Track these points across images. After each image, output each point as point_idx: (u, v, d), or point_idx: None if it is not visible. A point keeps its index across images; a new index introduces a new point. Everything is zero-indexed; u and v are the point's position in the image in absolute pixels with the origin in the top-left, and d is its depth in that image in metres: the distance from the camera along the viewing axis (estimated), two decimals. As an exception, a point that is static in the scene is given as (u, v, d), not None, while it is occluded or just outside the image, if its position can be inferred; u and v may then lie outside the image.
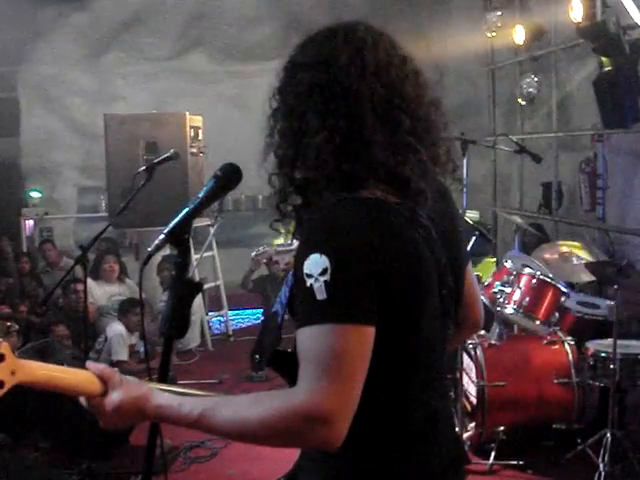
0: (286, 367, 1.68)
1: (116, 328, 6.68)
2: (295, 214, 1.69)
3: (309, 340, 1.49)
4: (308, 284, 1.49)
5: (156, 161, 4.37)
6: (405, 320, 1.55)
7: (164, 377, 1.74)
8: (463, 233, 1.88)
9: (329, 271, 1.47)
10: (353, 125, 1.58)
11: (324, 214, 1.57)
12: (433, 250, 1.62)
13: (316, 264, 1.49)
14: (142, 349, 6.60)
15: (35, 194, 9.71)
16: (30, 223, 9.63)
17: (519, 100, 7.76)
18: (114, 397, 1.62)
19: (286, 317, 1.70)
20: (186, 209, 1.75)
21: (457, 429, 4.80)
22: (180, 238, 1.72)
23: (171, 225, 1.72)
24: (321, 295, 1.48)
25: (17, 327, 5.65)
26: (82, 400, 1.67)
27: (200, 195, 1.77)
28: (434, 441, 1.67)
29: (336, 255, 1.49)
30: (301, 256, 1.53)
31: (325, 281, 1.47)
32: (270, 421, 1.48)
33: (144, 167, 4.35)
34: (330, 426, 1.45)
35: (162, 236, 1.71)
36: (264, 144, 1.71)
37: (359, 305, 1.49)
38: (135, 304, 6.67)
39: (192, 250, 4.53)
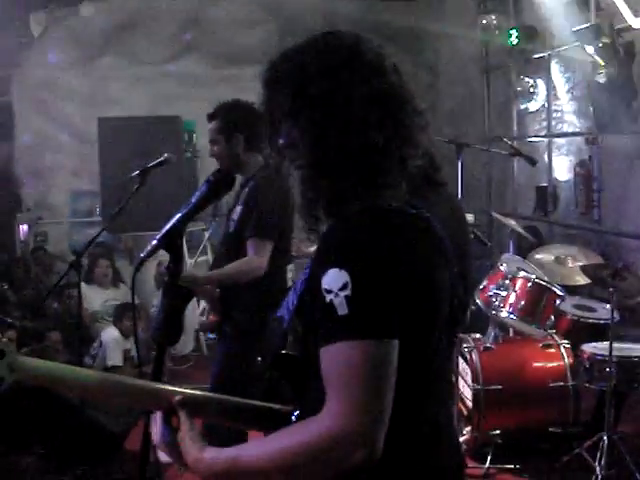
0: (290, 371, 1.67)
1: (111, 333, 6.66)
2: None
3: (334, 359, 1.46)
4: (328, 300, 1.46)
5: (150, 165, 4.34)
6: (419, 332, 1.54)
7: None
8: (469, 239, 1.87)
9: (350, 285, 1.44)
10: (394, 134, 1.58)
11: (341, 227, 1.54)
12: (447, 260, 1.60)
13: (335, 279, 1.46)
14: (136, 354, 6.58)
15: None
16: (24, 228, 9.61)
17: (514, 103, 7.76)
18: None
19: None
20: (178, 214, 1.74)
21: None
22: (173, 243, 1.71)
23: (164, 230, 1.71)
24: (343, 310, 1.44)
25: (13, 332, 5.64)
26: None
27: (192, 200, 1.76)
28: (438, 449, 1.65)
29: (356, 269, 1.46)
30: (318, 271, 1.50)
31: (346, 296, 1.44)
32: (301, 451, 1.45)
33: (138, 171, 4.33)
34: (367, 446, 1.43)
35: (155, 242, 1.71)
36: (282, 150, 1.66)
37: (383, 319, 1.46)
38: (129, 309, 6.65)
39: (186, 255, 4.50)
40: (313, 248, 1.62)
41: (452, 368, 5.06)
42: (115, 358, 6.53)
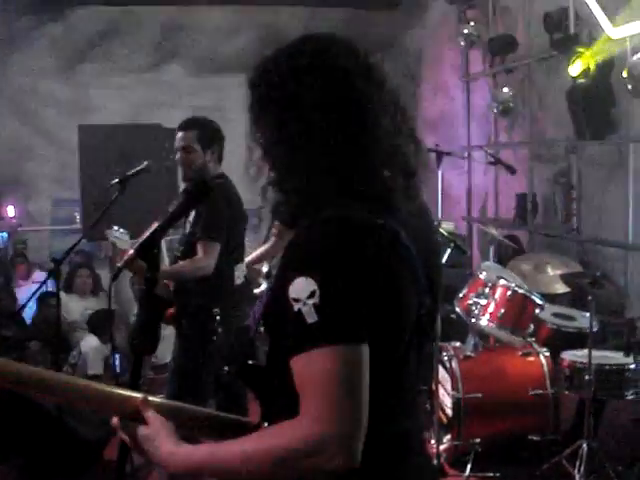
0: (254, 380, 1.67)
1: (90, 342, 6.64)
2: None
3: (307, 367, 1.46)
4: (296, 309, 1.46)
5: (129, 173, 4.35)
6: (385, 340, 1.54)
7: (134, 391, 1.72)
8: (440, 249, 1.88)
9: (317, 293, 1.45)
10: (367, 139, 1.59)
11: (306, 235, 1.54)
12: (414, 271, 1.60)
13: (303, 287, 1.46)
14: (117, 362, 6.56)
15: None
16: (4, 235, 9.55)
17: (494, 112, 7.80)
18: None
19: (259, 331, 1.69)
20: (156, 224, 1.74)
21: (432, 443, 4.80)
22: (149, 253, 1.71)
23: (141, 240, 1.71)
24: (311, 318, 1.45)
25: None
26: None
27: (170, 210, 1.76)
28: (405, 460, 1.65)
29: (322, 276, 1.46)
30: (284, 280, 1.50)
31: (314, 304, 1.45)
32: (278, 457, 1.44)
33: (117, 179, 4.34)
34: (346, 451, 1.42)
35: (132, 251, 1.71)
36: (262, 152, 1.67)
37: (352, 324, 1.46)
38: (104, 315, 6.65)
39: (166, 261, 4.55)
40: None
41: (429, 377, 5.09)
42: (95, 367, 6.50)
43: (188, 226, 4.26)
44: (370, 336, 1.48)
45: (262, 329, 1.65)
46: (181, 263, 4.22)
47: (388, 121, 1.64)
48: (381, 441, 1.54)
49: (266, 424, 1.66)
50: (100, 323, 6.66)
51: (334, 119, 1.58)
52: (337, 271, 1.47)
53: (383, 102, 1.64)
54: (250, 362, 1.67)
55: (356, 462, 1.44)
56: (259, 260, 5.14)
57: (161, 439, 1.59)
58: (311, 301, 1.45)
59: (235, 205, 4.29)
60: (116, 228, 4.35)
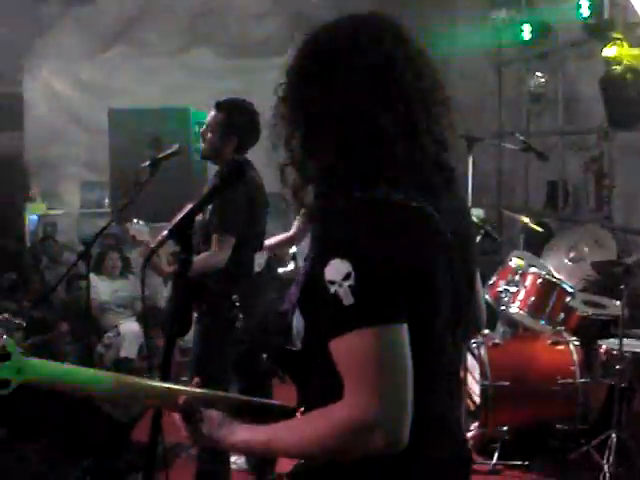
0: (293, 366, 1.66)
1: (131, 326, 6.71)
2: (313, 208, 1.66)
3: (347, 350, 1.46)
4: (332, 291, 1.46)
5: (160, 156, 4.34)
6: (420, 324, 1.52)
7: (166, 375, 1.72)
8: (475, 235, 1.86)
9: (353, 275, 1.44)
10: (408, 120, 1.56)
11: (341, 217, 1.53)
12: (449, 255, 1.59)
13: (338, 269, 1.45)
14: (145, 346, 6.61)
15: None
16: (33, 218, 9.62)
17: (526, 98, 7.72)
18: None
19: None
20: (190, 205, 1.73)
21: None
22: (184, 234, 1.71)
23: (175, 221, 1.71)
24: (348, 300, 1.44)
25: (19, 322, 5.64)
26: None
27: (204, 192, 1.75)
28: (442, 445, 1.64)
29: (357, 258, 1.45)
30: (319, 263, 1.50)
31: (350, 285, 1.44)
32: (326, 442, 1.47)
33: (148, 162, 4.33)
34: (390, 432, 1.43)
35: (165, 232, 1.70)
36: (284, 130, 1.65)
37: (388, 304, 1.46)
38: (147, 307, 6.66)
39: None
40: None
41: (460, 364, 5.06)
42: (130, 351, 6.56)
43: (208, 212, 4.17)
44: (408, 314, 1.48)
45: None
46: (195, 258, 4.09)
47: (425, 106, 1.61)
48: (415, 425, 1.53)
49: (303, 409, 1.65)
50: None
51: (373, 102, 1.56)
52: (371, 252, 1.47)
53: (422, 86, 1.62)
54: (287, 348, 1.66)
55: (402, 443, 1.45)
56: (276, 247, 5.06)
57: (217, 435, 1.64)
58: (347, 283, 1.44)
59: (255, 192, 4.18)
60: (135, 221, 4.32)
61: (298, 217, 5.08)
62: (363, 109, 1.55)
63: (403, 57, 1.60)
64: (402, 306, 1.47)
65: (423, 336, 1.54)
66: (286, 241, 5.04)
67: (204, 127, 4.28)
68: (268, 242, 4.71)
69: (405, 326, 1.47)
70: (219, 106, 4.22)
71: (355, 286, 1.44)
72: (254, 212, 4.19)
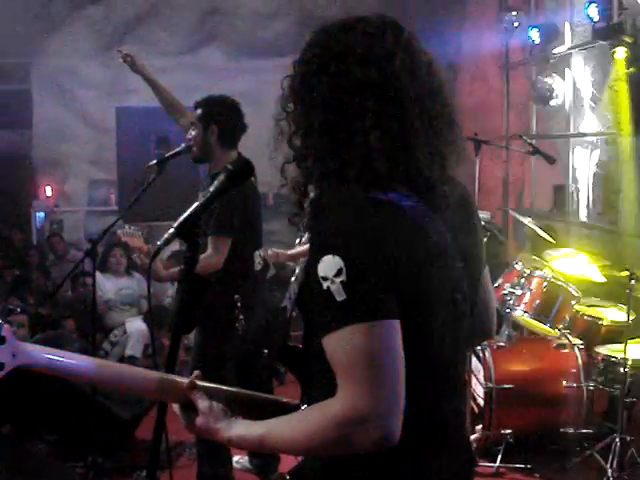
0: (294, 362, 1.67)
1: (137, 324, 6.72)
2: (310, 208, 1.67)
3: (339, 345, 1.47)
4: (325, 287, 1.47)
5: (167, 155, 4.36)
6: (415, 323, 1.53)
7: (170, 373, 1.73)
8: (482, 239, 1.86)
9: (344, 271, 1.46)
10: (402, 127, 1.57)
11: (336, 215, 1.55)
12: (447, 255, 1.60)
13: (330, 266, 1.47)
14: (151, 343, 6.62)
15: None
16: (40, 215, 9.65)
17: (534, 101, 7.71)
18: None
19: (294, 314, 1.69)
20: (197, 203, 1.73)
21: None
22: (190, 232, 1.71)
23: (181, 219, 1.71)
24: (340, 296, 1.46)
25: (25, 318, 5.66)
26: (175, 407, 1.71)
27: (211, 189, 1.75)
28: (443, 446, 1.64)
29: (349, 255, 1.47)
30: (314, 259, 1.51)
31: (342, 281, 1.46)
32: (319, 436, 1.49)
33: (155, 161, 4.35)
34: (382, 426, 1.44)
35: (172, 230, 1.70)
36: (282, 130, 1.68)
37: (379, 301, 1.47)
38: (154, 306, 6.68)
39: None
40: None
41: (464, 367, 5.05)
42: (135, 349, 6.58)
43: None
44: (401, 311, 1.49)
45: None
46: None
47: (427, 108, 1.62)
48: (416, 425, 1.54)
49: (305, 405, 1.66)
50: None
51: (374, 103, 1.57)
52: (362, 249, 1.48)
53: (424, 88, 1.63)
54: (288, 344, 1.67)
55: (393, 438, 1.46)
56: (298, 257, 5.02)
57: (211, 427, 1.64)
58: (339, 279, 1.46)
59: (249, 192, 4.22)
60: (127, 227, 4.35)
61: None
62: (356, 125, 1.57)
63: (405, 70, 1.60)
64: (394, 303, 1.48)
65: (419, 336, 1.55)
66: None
67: (190, 130, 4.35)
68: (290, 252, 4.72)
69: (397, 323, 1.48)
70: (197, 103, 4.34)
71: (347, 282, 1.46)
72: (250, 212, 4.24)
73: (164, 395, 1.69)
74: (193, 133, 4.29)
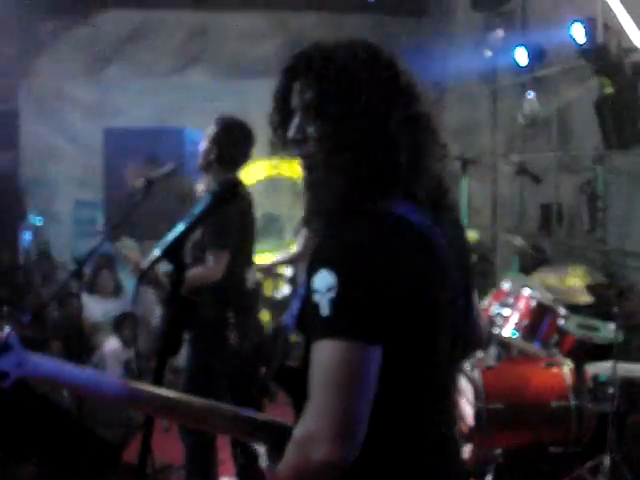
0: (290, 383, 1.65)
1: (111, 345, 6.66)
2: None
3: (316, 357, 1.49)
4: (316, 299, 1.48)
5: (155, 176, 4.35)
6: (416, 342, 1.52)
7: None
8: (470, 257, 1.87)
9: (335, 289, 1.46)
10: (418, 143, 1.61)
11: (339, 229, 1.55)
12: (447, 272, 1.59)
13: (323, 280, 1.48)
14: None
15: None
16: (27, 236, 9.61)
17: (520, 121, 7.74)
18: None
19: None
20: (182, 225, 1.73)
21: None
22: (175, 254, 1.70)
23: (167, 240, 1.70)
24: (325, 311, 1.47)
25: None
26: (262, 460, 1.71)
27: (196, 211, 1.75)
28: (442, 466, 1.63)
29: (344, 273, 1.47)
30: (312, 270, 1.52)
31: (331, 298, 1.46)
32: (285, 461, 1.52)
33: (143, 179, 4.34)
34: (329, 446, 1.43)
35: (157, 252, 1.69)
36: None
37: (363, 323, 1.46)
38: (128, 318, 6.65)
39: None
40: None
41: (454, 385, 5.04)
42: (112, 370, 6.51)
43: (199, 230, 4.18)
44: (398, 336, 1.48)
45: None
46: (190, 272, 4.14)
47: (414, 130, 1.63)
48: (418, 446, 1.53)
49: None
50: (124, 326, 6.66)
51: (398, 133, 1.60)
52: (358, 268, 1.48)
53: (409, 111, 1.64)
54: (285, 364, 1.65)
55: (344, 460, 1.43)
56: (273, 267, 5.07)
57: None
58: (329, 295, 1.47)
59: (247, 208, 4.33)
60: (125, 240, 4.36)
61: (298, 236, 5.09)
62: (380, 138, 1.59)
63: (386, 82, 1.63)
64: (379, 328, 1.47)
65: (419, 354, 1.54)
66: (286, 261, 5.07)
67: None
68: (265, 262, 4.75)
69: (377, 348, 1.47)
70: (215, 120, 4.48)
71: (335, 299, 1.46)
72: (246, 228, 4.29)
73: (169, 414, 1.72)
74: (203, 145, 4.42)
